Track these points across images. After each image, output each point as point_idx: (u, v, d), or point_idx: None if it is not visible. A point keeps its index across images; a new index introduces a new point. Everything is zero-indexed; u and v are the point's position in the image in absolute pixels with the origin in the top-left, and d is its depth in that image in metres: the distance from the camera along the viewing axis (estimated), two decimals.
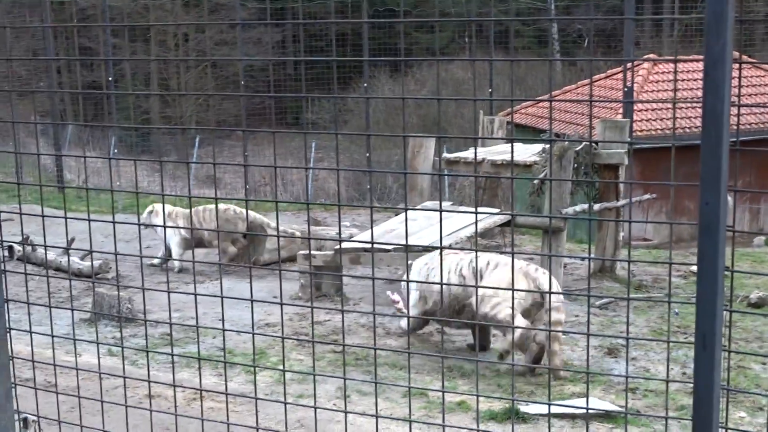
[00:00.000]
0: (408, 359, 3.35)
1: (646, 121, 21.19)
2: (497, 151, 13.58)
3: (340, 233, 3.67)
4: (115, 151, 25.33)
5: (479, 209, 12.99)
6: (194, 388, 4.30)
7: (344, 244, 10.55)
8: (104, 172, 26.03)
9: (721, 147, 2.71)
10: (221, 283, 4.06)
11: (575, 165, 12.14)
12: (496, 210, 12.94)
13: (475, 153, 3.25)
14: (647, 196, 13.58)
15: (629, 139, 18.93)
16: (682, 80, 22.46)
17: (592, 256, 13.15)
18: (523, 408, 7.36)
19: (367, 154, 21.09)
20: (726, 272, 2.88)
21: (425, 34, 36.19)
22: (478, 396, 3.33)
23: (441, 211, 3.47)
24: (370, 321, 10.36)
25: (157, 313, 10.38)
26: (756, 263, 14.72)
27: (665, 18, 11.56)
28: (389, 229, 11.39)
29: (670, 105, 21.48)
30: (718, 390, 2.80)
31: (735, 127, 3.26)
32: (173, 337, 9.58)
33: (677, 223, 2.92)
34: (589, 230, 3.26)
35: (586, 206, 12.11)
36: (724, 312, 2.87)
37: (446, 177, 22.68)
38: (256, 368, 8.46)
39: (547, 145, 12.33)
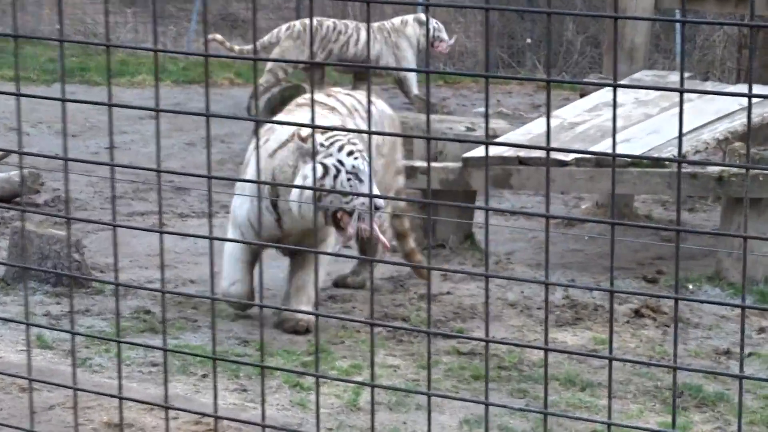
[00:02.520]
0: (609, 370, 3.31)
1: None
2: None
3: (487, 131, 3.64)
4: None
5: (739, 88, 12.74)
6: (201, 414, 4.36)
7: (486, 150, 10.51)
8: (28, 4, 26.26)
9: None
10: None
11: None
12: None
13: None
14: None
15: None
16: None
17: None
18: None
19: None
20: None
21: None
22: None
23: (682, 91, 3.33)
24: (526, 296, 10.37)
25: (128, 271, 10.52)
26: None
27: None
28: (569, 123, 11.33)
29: None
30: None
31: None
32: (156, 318, 9.69)
33: None
34: None
35: None
36: None
37: (677, 27, 22.31)
38: (321, 379, 8.51)
39: None
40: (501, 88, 18.77)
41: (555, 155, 10.37)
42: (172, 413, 7.85)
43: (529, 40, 23.85)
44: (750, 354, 9.38)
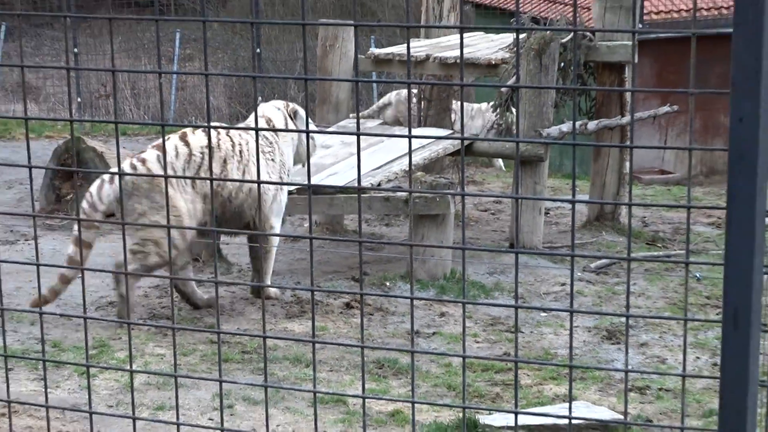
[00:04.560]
0: (313, 351, 3.35)
1: None
2: (448, 45, 13.58)
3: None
4: None
5: (420, 132, 13.00)
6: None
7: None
8: None
9: (761, 37, 2.72)
10: (36, 244, 4.02)
11: (561, 64, 12.22)
12: (441, 132, 12.96)
13: (406, 47, 3.25)
14: (665, 108, 13.67)
15: (639, 26, 19.07)
16: None
17: (580, 197, 13.28)
18: (485, 418, 7.46)
19: (258, 50, 20.94)
20: None
21: None
22: (413, 402, 3.36)
23: (358, 134, 3.45)
24: (265, 296, 10.39)
25: None
26: None
27: None
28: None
29: None
30: (755, 388, 2.85)
31: None
32: None
33: (698, 149, 2.94)
34: (574, 158, 3.27)
35: (577, 124, 12.19)
36: (766, 277, 2.92)
37: (374, 85, 22.58)
38: (90, 370, 8.44)
39: (522, 36, 12.37)
40: None
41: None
42: None
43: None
44: (435, 333, 9.55)
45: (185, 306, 10.10)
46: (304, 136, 10.19)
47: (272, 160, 10.15)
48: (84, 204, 9.61)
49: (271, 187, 10.02)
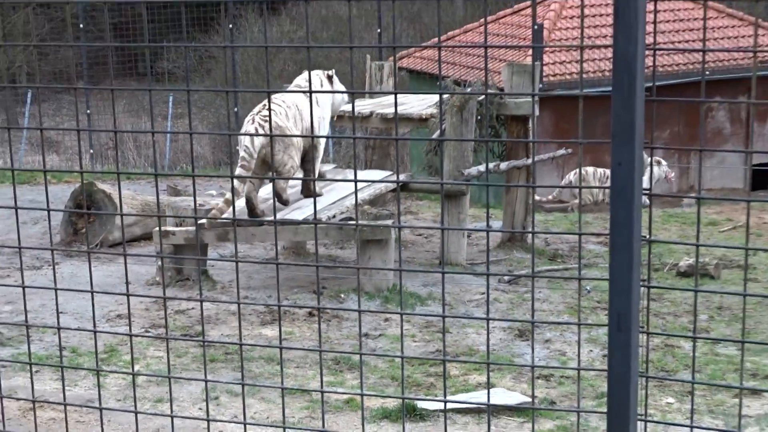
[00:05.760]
0: (280, 354, 3.34)
1: (560, 63, 21.51)
2: (388, 103, 13.62)
3: (195, 207, 3.62)
4: None
5: (366, 173, 13.04)
6: (24, 399, 4.21)
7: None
8: None
9: (634, 98, 2.74)
10: (54, 271, 3.97)
11: (479, 117, 12.28)
12: (383, 173, 13.02)
13: (353, 107, 3.23)
14: (561, 151, 13.82)
15: (540, 85, 19.21)
16: (597, 15, 22.84)
17: (492, 227, 13.39)
18: (422, 404, 7.45)
19: (235, 109, 20.90)
20: (643, 241, 2.93)
21: None
22: (363, 395, 3.35)
23: (315, 180, 3.48)
24: (244, 307, 10.34)
25: None
26: (686, 225, 15.13)
27: None
28: (263, 199, 11.35)
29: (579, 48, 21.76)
30: (636, 377, 2.86)
31: (653, 72, 3.33)
32: (4, 336, 9.36)
33: (586, 187, 2.95)
34: (488, 196, 3.28)
35: (491, 165, 12.26)
36: (642, 288, 2.93)
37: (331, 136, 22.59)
38: (100, 372, 8.37)
39: (447, 96, 12.43)
40: (223, 179, 18.74)
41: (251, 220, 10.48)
42: (11, 399, 7.59)
43: (233, 149, 23.80)
44: (381, 335, 9.52)
45: (179, 317, 10.02)
46: (338, 93, 11.32)
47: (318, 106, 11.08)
48: (243, 153, 10.53)
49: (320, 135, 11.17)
